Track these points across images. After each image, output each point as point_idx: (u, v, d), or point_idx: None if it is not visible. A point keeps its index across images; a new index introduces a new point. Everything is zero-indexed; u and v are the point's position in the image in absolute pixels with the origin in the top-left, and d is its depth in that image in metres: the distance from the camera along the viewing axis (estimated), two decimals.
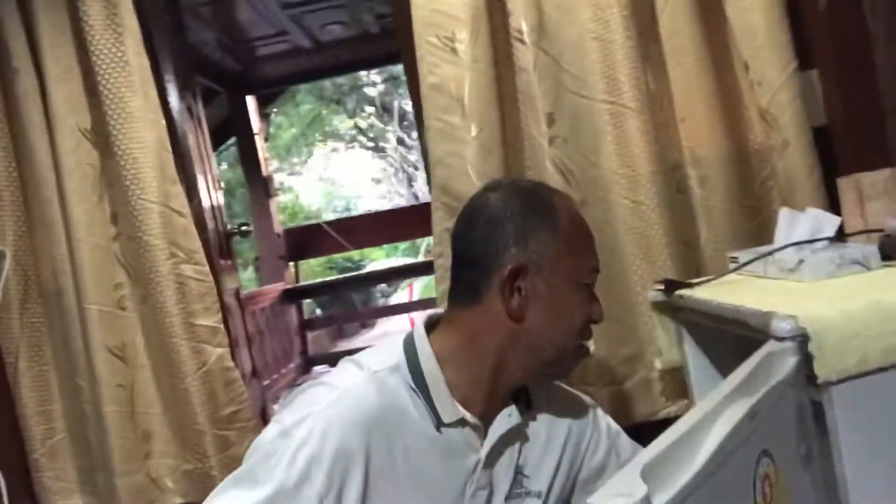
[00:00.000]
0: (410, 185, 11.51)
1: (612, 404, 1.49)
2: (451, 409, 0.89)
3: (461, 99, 1.49)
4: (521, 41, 1.49)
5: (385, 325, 8.15)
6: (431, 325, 0.96)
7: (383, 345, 0.96)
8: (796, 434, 0.81)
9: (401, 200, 11.64)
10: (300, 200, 12.24)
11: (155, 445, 1.55)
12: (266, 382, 3.35)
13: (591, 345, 1.09)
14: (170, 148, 1.55)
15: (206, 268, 1.53)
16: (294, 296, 4.20)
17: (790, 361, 0.82)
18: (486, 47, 1.48)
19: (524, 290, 0.90)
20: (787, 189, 1.46)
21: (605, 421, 1.10)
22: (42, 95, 1.53)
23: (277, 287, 3.98)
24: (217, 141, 4.32)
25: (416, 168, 11.33)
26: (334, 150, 12.85)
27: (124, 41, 1.50)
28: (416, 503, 0.88)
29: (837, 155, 1.45)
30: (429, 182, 1.59)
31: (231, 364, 1.54)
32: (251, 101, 4.02)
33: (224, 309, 1.70)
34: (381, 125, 11.57)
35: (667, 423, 1.51)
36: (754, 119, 1.52)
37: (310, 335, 4.74)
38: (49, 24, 1.52)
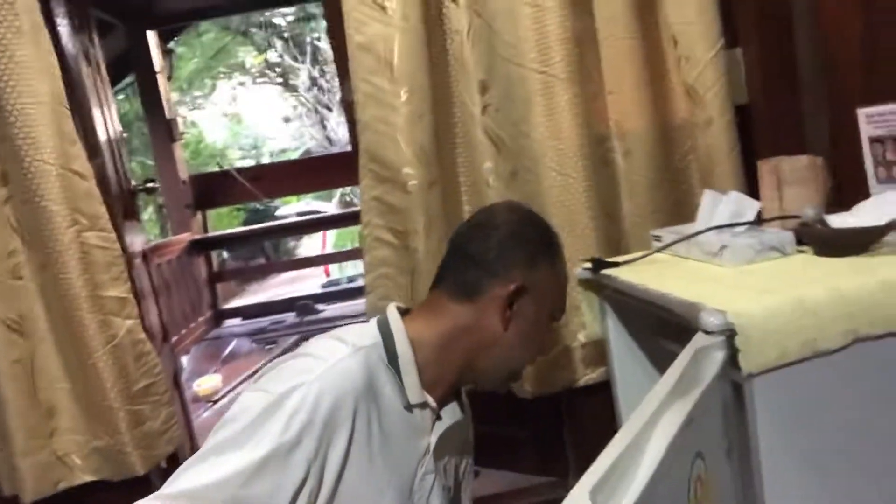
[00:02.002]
0: (324, 127, 11.12)
1: (536, 374, 1.52)
2: (417, 392, 0.94)
3: (390, 61, 1.43)
4: (455, 2, 1.44)
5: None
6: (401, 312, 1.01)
7: (357, 325, 1.01)
8: (721, 427, 0.85)
9: (312, 143, 11.26)
10: (204, 137, 11.62)
11: (60, 422, 1.46)
12: (174, 339, 3.21)
13: None
14: (66, 102, 1.40)
15: (113, 234, 1.42)
16: (202, 247, 4.00)
17: (718, 356, 0.85)
18: (417, 6, 1.41)
19: (517, 307, 0.98)
20: (707, 166, 1.50)
21: None
22: None
23: (184, 238, 3.77)
24: (112, 78, 3.99)
25: (329, 109, 10.93)
26: (241, 83, 12.20)
27: None
28: (384, 476, 0.92)
29: (756, 134, 1.50)
30: (352, 137, 1.53)
31: (142, 336, 1.45)
32: (153, 37, 3.70)
33: (132, 274, 1.59)
34: (293, 62, 11.04)
35: (584, 390, 1.58)
36: (679, 95, 1.54)
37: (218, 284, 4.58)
38: None
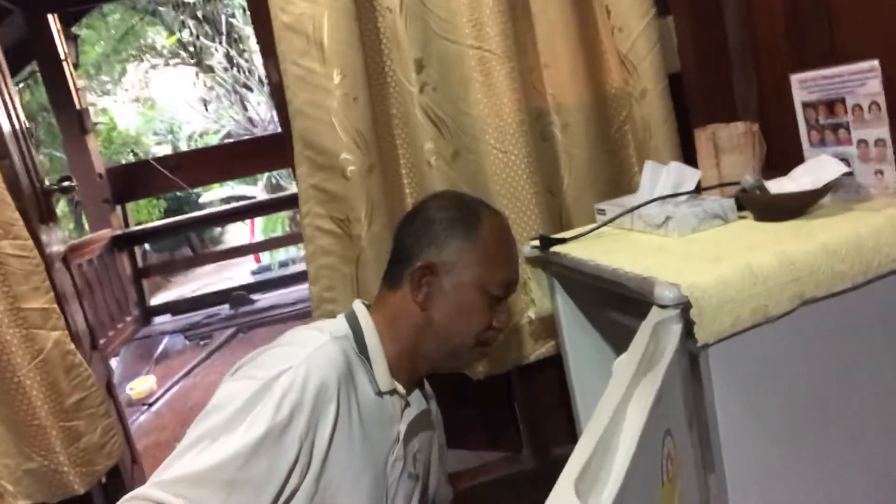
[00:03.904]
0: (244, 108, 10.73)
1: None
2: (387, 379, 0.99)
3: (320, 41, 1.36)
4: None
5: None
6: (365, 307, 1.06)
7: (327, 320, 1.06)
8: (683, 399, 0.86)
9: (233, 124, 10.86)
10: (116, 124, 11.05)
11: None
12: (102, 341, 3.05)
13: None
14: None
15: (30, 241, 1.31)
16: (125, 242, 3.80)
17: (675, 329, 0.86)
18: None
19: (430, 286, 1.01)
20: (643, 135, 1.52)
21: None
22: None
23: (105, 234, 3.56)
24: (12, 67, 3.70)
25: (249, 89, 10.55)
26: (153, 66, 11.61)
27: None
28: (362, 459, 0.94)
29: (690, 102, 1.52)
30: (281, 120, 1.46)
31: (71, 347, 1.36)
32: (53, 21, 3.43)
33: (54, 279, 1.49)
34: (207, 42, 10.56)
35: (534, 364, 1.58)
36: (613, 65, 1.54)
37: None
38: None
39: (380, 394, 0.98)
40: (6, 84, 1.66)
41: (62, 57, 3.42)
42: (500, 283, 1.04)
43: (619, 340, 1.36)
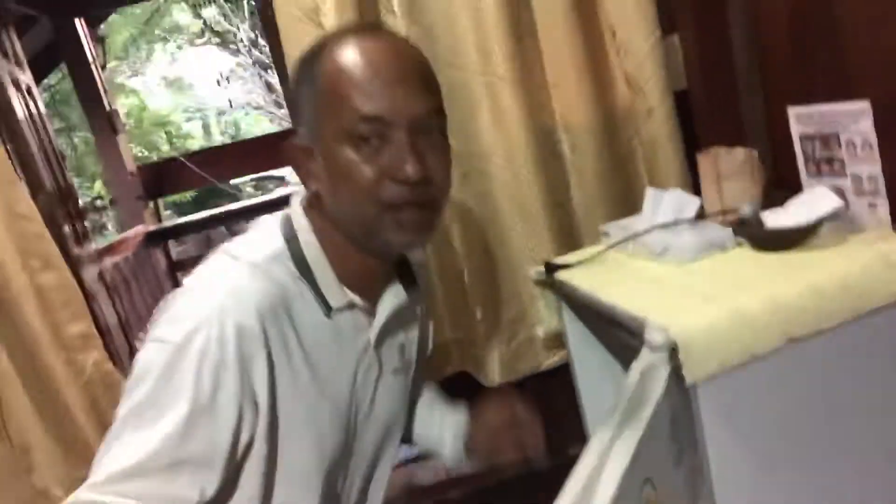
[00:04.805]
0: (271, 91, 10.79)
1: (500, 364, 1.58)
2: (338, 294, 0.86)
3: None
4: (392, 12, 1.42)
5: None
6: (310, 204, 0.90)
7: (258, 230, 0.89)
8: (669, 438, 0.91)
9: (262, 103, 10.96)
10: (146, 105, 11.24)
11: (37, 457, 1.45)
12: (141, 334, 3.19)
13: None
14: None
15: (67, 271, 1.40)
16: (159, 238, 3.91)
17: (664, 372, 0.92)
18: (354, 19, 1.39)
19: (306, 162, 0.85)
20: (651, 153, 1.54)
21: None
22: None
23: (139, 231, 3.68)
24: (42, 70, 3.78)
25: (273, 70, 10.61)
26: (179, 47, 11.74)
27: None
28: (315, 390, 0.86)
29: (696, 120, 1.54)
30: None
31: (110, 366, 1.46)
32: (80, 25, 3.51)
33: (89, 298, 1.59)
34: (230, 22, 10.61)
35: (547, 374, 1.63)
36: (620, 84, 1.56)
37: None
38: None
39: (332, 312, 0.86)
40: (38, 113, 1.74)
41: (90, 60, 3.51)
42: (361, 117, 0.78)
43: (625, 355, 1.41)
